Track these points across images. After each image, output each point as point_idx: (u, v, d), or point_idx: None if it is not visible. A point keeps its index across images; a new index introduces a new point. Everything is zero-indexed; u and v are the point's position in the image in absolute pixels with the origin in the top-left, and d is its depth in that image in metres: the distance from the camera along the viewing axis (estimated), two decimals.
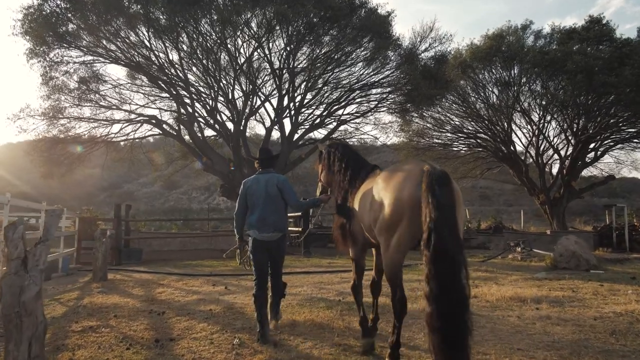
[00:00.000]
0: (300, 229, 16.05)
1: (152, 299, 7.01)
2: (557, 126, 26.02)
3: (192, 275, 9.99)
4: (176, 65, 19.46)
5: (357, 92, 21.64)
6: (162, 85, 19.90)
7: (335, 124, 22.62)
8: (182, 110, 19.99)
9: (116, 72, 55.05)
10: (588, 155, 26.40)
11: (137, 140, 22.15)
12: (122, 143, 22.61)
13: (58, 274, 10.88)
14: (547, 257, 12.61)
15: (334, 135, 23.39)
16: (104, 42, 18.61)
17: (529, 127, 26.88)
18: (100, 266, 8.98)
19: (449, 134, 27.96)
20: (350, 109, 22.61)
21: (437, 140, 28.34)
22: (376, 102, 22.24)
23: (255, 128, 67.33)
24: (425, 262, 3.07)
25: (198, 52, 19.15)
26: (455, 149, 29.27)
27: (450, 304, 2.94)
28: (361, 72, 21.28)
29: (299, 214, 15.57)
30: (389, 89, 21.00)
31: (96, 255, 9.01)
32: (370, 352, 4.22)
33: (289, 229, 13.09)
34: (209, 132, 23.13)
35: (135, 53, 19.24)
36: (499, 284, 8.25)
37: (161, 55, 19.33)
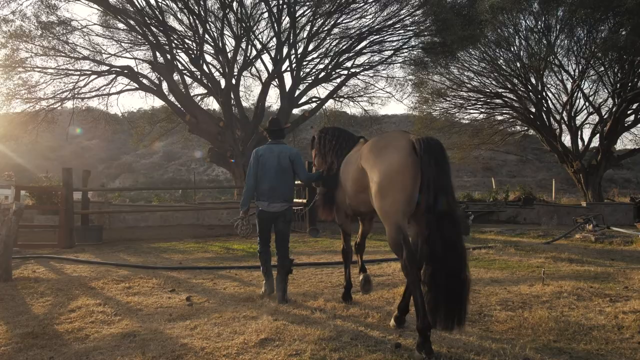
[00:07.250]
0: (304, 201, 12.83)
1: (41, 331, 3.80)
2: (598, 81, 22.54)
3: (149, 269, 6.82)
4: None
5: (370, 37, 17.98)
6: (135, 25, 16.27)
7: (342, 77, 19.06)
8: (160, 58, 16.40)
9: (83, 12, 50.77)
10: (626, 119, 23.23)
11: (112, 96, 18.69)
12: (96, 102, 19.35)
13: None
14: (636, 239, 9.49)
15: (341, 92, 20.01)
16: None
17: (561, 85, 23.50)
18: None
19: (468, 93, 24.51)
20: (360, 60, 19.04)
21: (456, 101, 24.95)
22: (392, 51, 18.62)
23: (252, 86, 62.55)
24: (428, 225, 3.20)
25: None
26: (475, 112, 25.93)
27: (455, 262, 3.13)
28: (375, 15, 17.62)
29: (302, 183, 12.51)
30: (409, 33, 17.23)
31: None
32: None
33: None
34: (198, 91, 19.86)
35: None
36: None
37: None
